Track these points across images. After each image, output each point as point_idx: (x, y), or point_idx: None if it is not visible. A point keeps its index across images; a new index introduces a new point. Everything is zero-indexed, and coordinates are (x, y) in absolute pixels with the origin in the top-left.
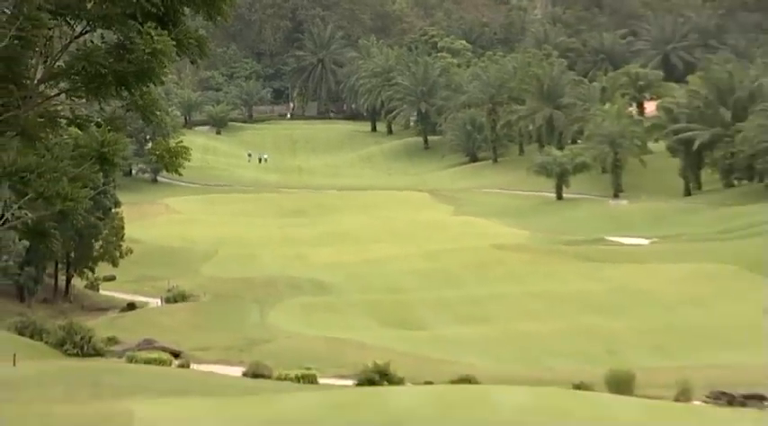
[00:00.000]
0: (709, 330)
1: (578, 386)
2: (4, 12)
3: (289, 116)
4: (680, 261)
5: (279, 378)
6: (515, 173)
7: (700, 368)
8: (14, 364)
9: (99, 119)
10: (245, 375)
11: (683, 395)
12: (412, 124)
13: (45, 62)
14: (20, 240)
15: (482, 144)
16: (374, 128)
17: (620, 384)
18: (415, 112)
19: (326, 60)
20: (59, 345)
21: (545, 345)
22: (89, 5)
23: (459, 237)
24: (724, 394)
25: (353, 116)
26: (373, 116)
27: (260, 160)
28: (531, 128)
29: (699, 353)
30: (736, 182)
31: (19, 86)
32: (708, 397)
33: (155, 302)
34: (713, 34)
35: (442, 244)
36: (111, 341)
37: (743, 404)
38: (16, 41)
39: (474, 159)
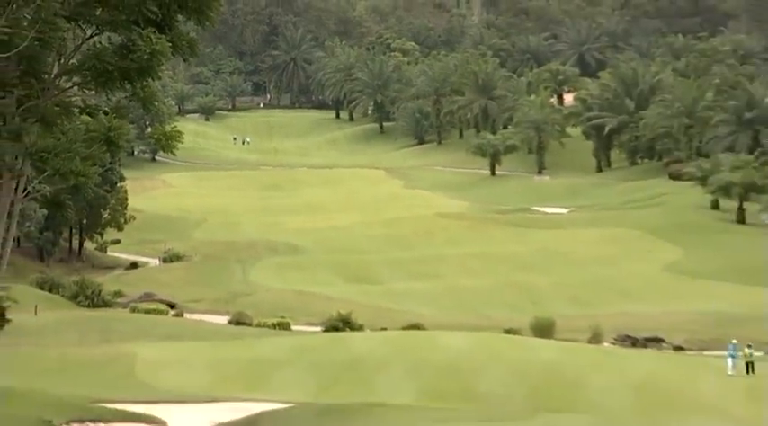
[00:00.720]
0: (617, 284)
1: (508, 331)
2: (25, 17)
3: (261, 106)
4: (592, 226)
5: (258, 325)
6: (456, 154)
7: (609, 315)
8: (36, 314)
9: (106, 108)
10: (229, 322)
11: (595, 338)
12: (369, 112)
13: (60, 60)
14: (40, 209)
15: (428, 129)
16: (338, 116)
17: (543, 329)
18: (372, 102)
19: (297, 58)
20: (73, 298)
21: (481, 297)
22: (98, 12)
23: (409, 207)
24: (628, 337)
25: (320, 105)
26: (337, 105)
27: (243, 142)
28: (469, 115)
29: (608, 303)
30: (639, 161)
31: (38, 80)
32: (615, 340)
33: (154, 262)
34: (620, 37)
35: (395, 213)
36: (117, 294)
37: (644, 346)
38: (36, 42)
39: (421, 142)
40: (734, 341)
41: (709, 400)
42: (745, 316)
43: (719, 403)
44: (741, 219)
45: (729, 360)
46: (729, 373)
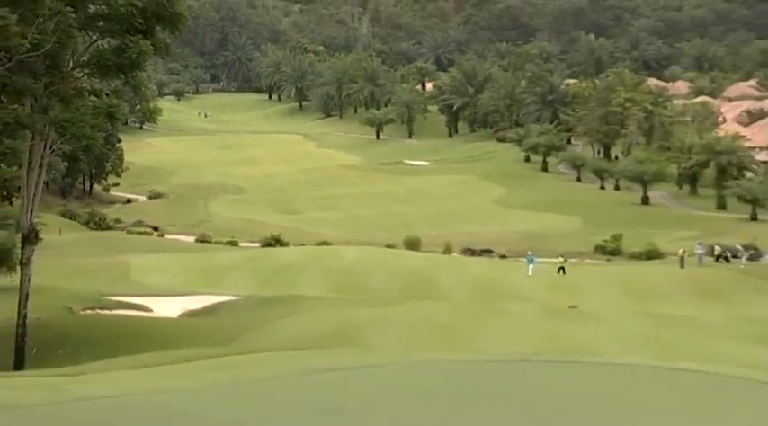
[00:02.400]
0: (461, 212)
1: (388, 246)
2: (49, 27)
3: (210, 90)
4: (445, 174)
5: (216, 243)
6: (352, 124)
7: (456, 234)
8: (60, 234)
9: (107, 91)
10: (195, 241)
11: (447, 250)
12: (292, 95)
13: (74, 57)
14: (62, 162)
15: (333, 107)
16: (270, 97)
17: (411, 244)
18: (294, 88)
19: (242, 57)
20: (86, 223)
21: (369, 223)
22: (100, 24)
23: (319, 161)
24: (469, 249)
25: (258, 90)
26: (269, 90)
27: (205, 116)
28: (361, 97)
29: (455, 226)
30: (476, 129)
31: (59, 71)
32: (460, 251)
33: (142, 198)
34: (464, 44)
35: (309, 165)
36: (117, 221)
37: (480, 254)
38: (57, 44)
39: (328, 115)
40: (529, 253)
41: (522, 291)
42: (546, 234)
43: (529, 293)
44: (545, 168)
45: (529, 266)
46: (529, 274)
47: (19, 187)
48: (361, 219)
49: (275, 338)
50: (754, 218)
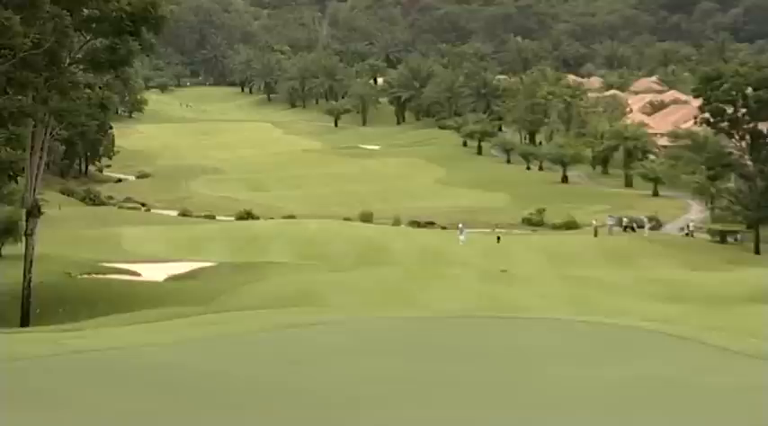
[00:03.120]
0: (408, 190)
1: (345, 219)
2: (47, 28)
3: (189, 84)
4: (394, 156)
5: (196, 216)
6: (315, 114)
7: (404, 209)
8: (59, 209)
9: (100, 85)
10: (178, 215)
11: (396, 223)
12: (262, 88)
13: (70, 54)
14: (60, 146)
15: (297, 98)
16: (242, 90)
17: (366, 217)
18: (263, 82)
19: (218, 55)
20: (82, 199)
21: (329, 199)
22: (93, 26)
23: (286, 145)
24: (415, 221)
25: (232, 84)
26: (242, 84)
27: (186, 106)
28: (321, 90)
29: (403, 202)
30: (421, 118)
31: (57, 67)
32: (408, 223)
33: (131, 178)
34: (410, 44)
35: (277, 149)
36: (109, 197)
37: (424, 226)
38: (55, 43)
39: (293, 106)
40: (460, 225)
41: (460, 257)
42: (480, 209)
43: (466, 259)
44: (479, 152)
45: (460, 236)
46: (460, 243)
47: (23, 168)
48: (321, 196)
49: (248, 298)
50: (655, 194)
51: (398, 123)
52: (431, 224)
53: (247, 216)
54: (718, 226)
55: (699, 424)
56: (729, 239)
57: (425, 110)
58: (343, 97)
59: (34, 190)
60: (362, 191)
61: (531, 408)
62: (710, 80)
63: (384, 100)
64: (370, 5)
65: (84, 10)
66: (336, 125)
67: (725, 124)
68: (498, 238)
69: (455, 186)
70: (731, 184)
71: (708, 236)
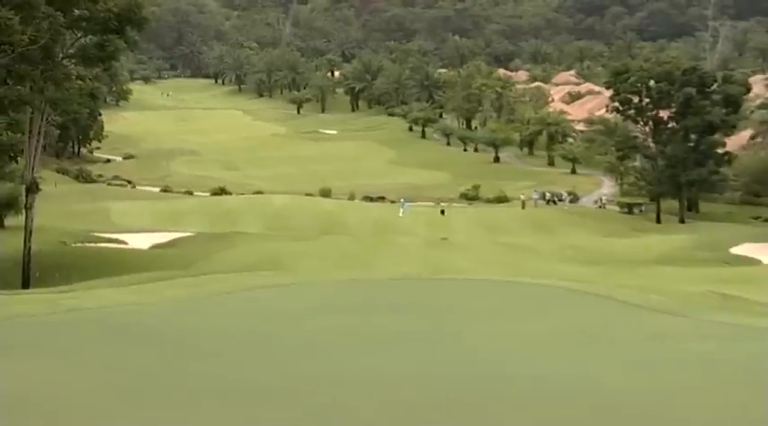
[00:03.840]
0: (363, 169)
1: (307, 194)
2: (43, 26)
3: (167, 76)
4: (350, 140)
5: (176, 192)
6: (280, 102)
7: (358, 185)
8: (55, 186)
9: (90, 77)
10: (160, 191)
11: (351, 197)
12: (233, 81)
13: (63, 50)
14: (56, 130)
15: (264, 89)
16: (216, 82)
17: (325, 193)
18: (234, 75)
19: (194, 51)
20: (75, 178)
21: (294, 177)
22: (84, 24)
23: (254, 130)
24: (368, 196)
25: (207, 76)
26: (215, 76)
27: (167, 95)
28: (285, 82)
29: (358, 180)
30: (373, 106)
31: (52, 61)
32: (362, 198)
33: (119, 159)
34: (362, 42)
35: (247, 134)
36: (99, 176)
37: (376, 200)
38: (50, 40)
39: (261, 96)
40: (402, 199)
41: (407, 227)
42: (424, 185)
43: (412, 229)
44: (423, 136)
45: (401, 209)
46: (400, 215)
47: (22, 150)
48: (286, 175)
49: (221, 264)
50: (573, 172)
51: (353, 110)
52: (382, 198)
53: (221, 192)
54: (626, 200)
55: (609, 366)
56: (635, 210)
57: (376, 100)
58: (304, 88)
59: (33, 169)
60: (322, 170)
61: (466, 356)
62: (619, 74)
63: (340, 90)
64: (328, 8)
65: (76, 10)
66: (299, 112)
67: (632, 112)
68: (442, 211)
69: (403, 166)
70: (637, 163)
71: (617, 208)
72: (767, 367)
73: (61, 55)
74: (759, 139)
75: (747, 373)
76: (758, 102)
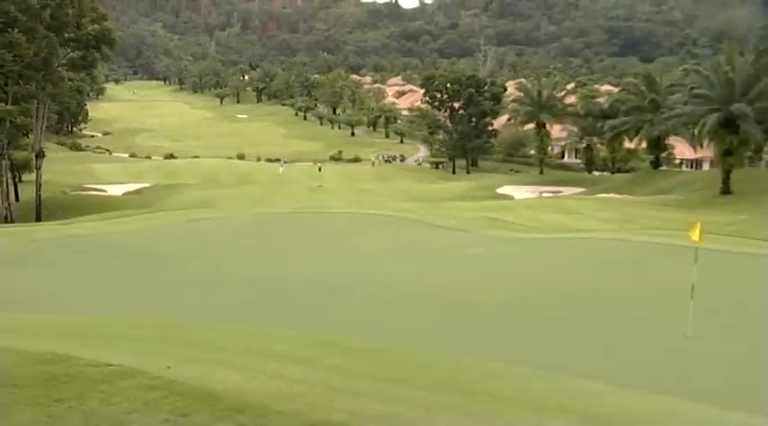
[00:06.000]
0: (265, 141)
1: (228, 158)
2: (42, 44)
3: (130, 79)
4: (256, 122)
5: (140, 157)
6: (209, 97)
7: (263, 152)
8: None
9: (77, 79)
10: (129, 156)
11: (258, 160)
12: (177, 82)
13: (57, 60)
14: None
15: (198, 88)
16: (165, 83)
17: (240, 157)
18: (177, 78)
19: (149, 62)
20: (70, 148)
21: (219, 146)
22: (72, 43)
23: (192, 115)
24: (269, 159)
25: (159, 79)
26: (165, 79)
27: (132, 92)
28: (212, 83)
29: (263, 148)
30: (271, 99)
31: (50, 68)
32: (266, 160)
33: (99, 135)
34: (264, 56)
35: (187, 117)
36: (87, 146)
37: (276, 161)
38: (47, 53)
39: (195, 92)
40: (281, 159)
41: (295, 179)
42: (307, 151)
43: (298, 180)
44: (305, 118)
45: (280, 167)
46: (280, 172)
47: (31, 129)
48: (215, 144)
49: (171, 204)
50: (402, 142)
51: (258, 102)
52: (278, 160)
53: (170, 156)
54: (434, 159)
55: (425, 265)
56: (440, 166)
57: (273, 95)
58: (224, 87)
59: (39, 141)
60: (238, 142)
61: (334, 260)
62: (428, 79)
63: (249, 88)
64: (239, 33)
65: (66, 33)
66: (221, 103)
67: (437, 103)
68: (319, 168)
69: (291, 138)
70: (440, 136)
71: (429, 165)
72: (518, 260)
73: (56, 64)
74: (512, 121)
75: (508, 265)
76: (511, 98)
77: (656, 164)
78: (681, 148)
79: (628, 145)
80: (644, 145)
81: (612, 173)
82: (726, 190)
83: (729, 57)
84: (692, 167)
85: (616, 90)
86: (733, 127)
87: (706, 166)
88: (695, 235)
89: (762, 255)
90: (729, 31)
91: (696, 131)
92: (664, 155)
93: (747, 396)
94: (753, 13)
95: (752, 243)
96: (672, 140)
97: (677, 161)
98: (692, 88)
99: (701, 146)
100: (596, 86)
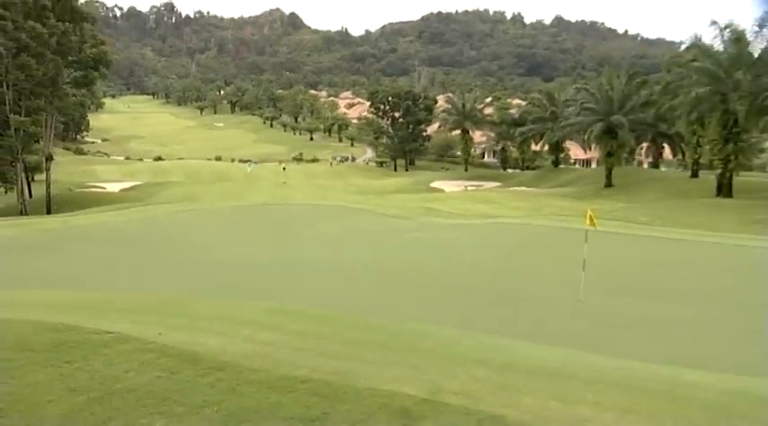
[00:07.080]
0: (237, 144)
1: (208, 159)
2: (50, 65)
3: (120, 94)
4: (231, 129)
5: (133, 159)
6: (191, 109)
7: (236, 154)
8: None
9: (80, 94)
10: (124, 159)
11: (233, 161)
12: (164, 97)
13: (62, 79)
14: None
15: (181, 101)
16: (154, 97)
17: (218, 158)
18: (164, 94)
19: (140, 80)
20: (75, 152)
21: (200, 150)
22: (75, 65)
23: (177, 124)
24: (241, 160)
25: (148, 94)
26: (154, 94)
27: (127, 106)
28: (194, 97)
29: (235, 150)
30: (243, 111)
31: (57, 85)
32: (238, 161)
33: (99, 141)
34: (236, 75)
35: (173, 126)
36: (88, 150)
37: (246, 162)
38: (54, 73)
39: (180, 105)
40: (249, 159)
41: (264, 177)
42: (272, 153)
43: (267, 177)
44: (271, 126)
45: (248, 167)
46: (248, 171)
47: (41, 136)
48: (196, 148)
49: (160, 199)
50: (352, 145)
51: (232, 113)
52: (248, 161)
53: (159, 159)
54: (379, 160)
55: (372, 248)
56: (384, 165)
57: (245, 106)
58: (204, 101)
59: (48, 147)
60: (215, 145)
61: (302, 242)
62: (374, 93)
63: (225, 102)
64: (216, 56)
65: (70, 56)
66: (202, 114)
67: (380, 113)
68: (284, 168)
69: (261, 142)
70: (384, 140)
71: (375, 164)
72: (449, 242)
73: (62, 82)
74: (442, 128)
75: (441, 245)
76: (441, 109)
77: (556, 163)
78: (575, 150)
79: (534, 147)
80: (546, 147)
81: (522, 170)
82: (608, 184)
83: (609, 79)
84: (583, 166)
85: (524, 103)
86: (613, 134)
87: (594, 165)
88: (590, 222)
89: (635, 235)
90: (608, 59)
91: (586, 137)
92: (562, 155)
93: (627, 346)
94: (625, 45)
95: (629, 225)
96: (568, 144)
97: (572, 161)
98: (582, 103)
99: (590, 148)
100: (509, 100)
